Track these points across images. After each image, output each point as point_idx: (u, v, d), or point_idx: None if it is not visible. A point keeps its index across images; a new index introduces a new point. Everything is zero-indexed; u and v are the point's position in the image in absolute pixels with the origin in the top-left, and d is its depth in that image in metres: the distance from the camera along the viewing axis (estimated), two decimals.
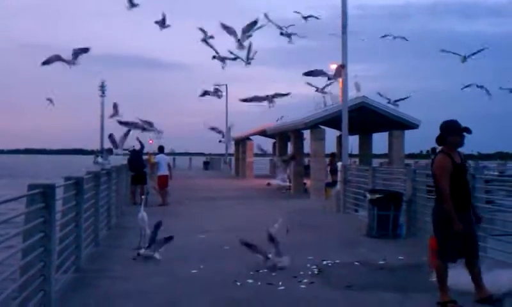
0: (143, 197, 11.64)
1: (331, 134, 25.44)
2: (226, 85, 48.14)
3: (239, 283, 7.05)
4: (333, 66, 24.39)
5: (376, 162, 25.87)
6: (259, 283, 7.04)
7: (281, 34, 10.43)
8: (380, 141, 25.16)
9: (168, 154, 21.86)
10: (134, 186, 18.32)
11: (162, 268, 7.97)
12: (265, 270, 7.70)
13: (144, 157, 20.98)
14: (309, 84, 16.09)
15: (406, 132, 22.50)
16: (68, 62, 7.34)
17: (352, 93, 18.76)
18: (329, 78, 10.56)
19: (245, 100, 9.18)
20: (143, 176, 18.68)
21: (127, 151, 16.96)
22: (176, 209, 16.61)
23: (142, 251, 8.49)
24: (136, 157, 18.39)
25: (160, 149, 19.24)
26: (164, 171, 18.48)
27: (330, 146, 24.52)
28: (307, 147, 22.87)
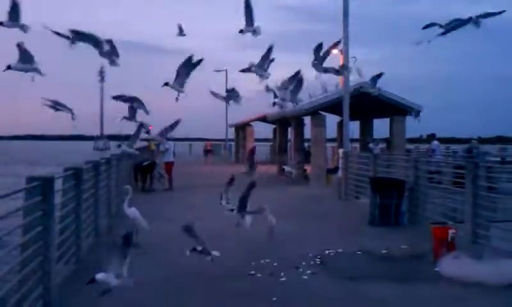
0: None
1: (331, 120, 25.33)
2: (226, 70, 47.80)
3: (240, 274, 6.99)
4: (335, 51, 24.35)
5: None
6: (260, 275, 6.99)
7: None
8: (381, 126, 25.01)
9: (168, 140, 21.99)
10: (139, 174, 18.53)
11: (163, 260, 7.92)
12: (267, 261, 7.64)
13: (144, 144, 21.03)
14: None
15: (407, 117, 22.36)
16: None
17: (353, 78, 18.53)
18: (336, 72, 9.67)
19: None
20: (153, 166, 18.93)
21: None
22: (178, 196, 16.74)
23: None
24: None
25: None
26: (171, 158, 19.11)
27: (331, 131, 24.40)
28: (308, 133, 22.78)
